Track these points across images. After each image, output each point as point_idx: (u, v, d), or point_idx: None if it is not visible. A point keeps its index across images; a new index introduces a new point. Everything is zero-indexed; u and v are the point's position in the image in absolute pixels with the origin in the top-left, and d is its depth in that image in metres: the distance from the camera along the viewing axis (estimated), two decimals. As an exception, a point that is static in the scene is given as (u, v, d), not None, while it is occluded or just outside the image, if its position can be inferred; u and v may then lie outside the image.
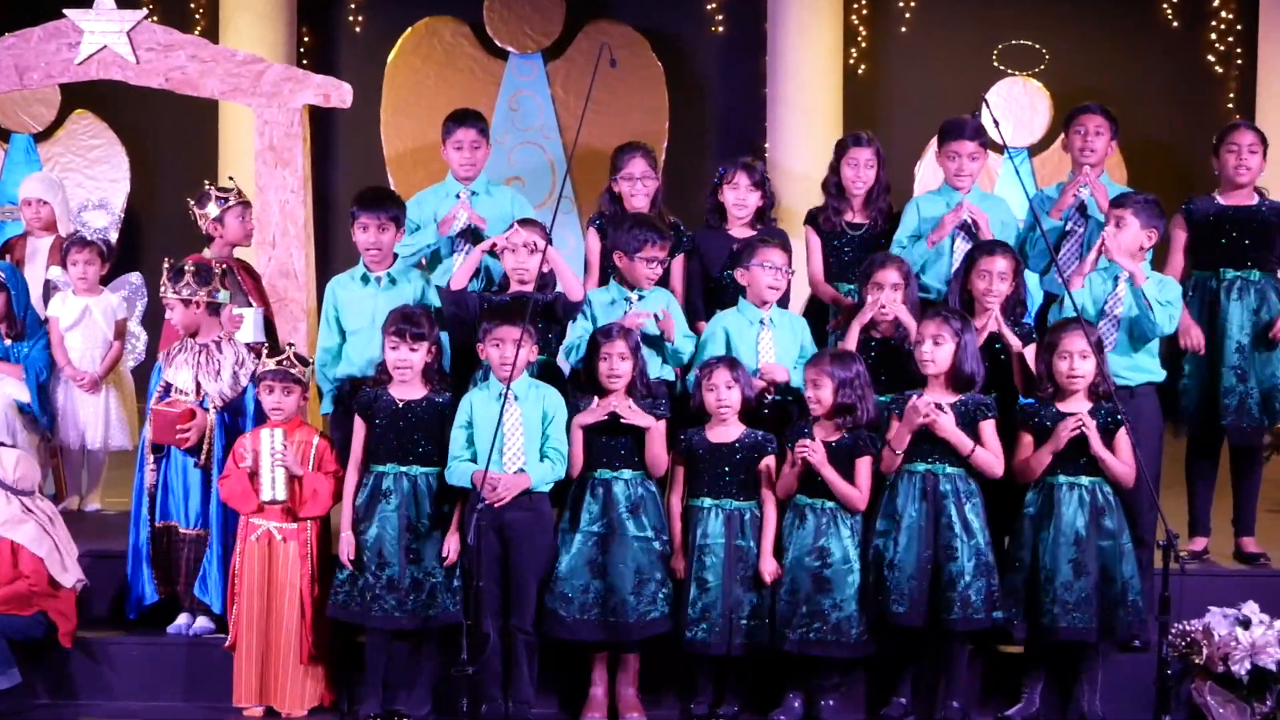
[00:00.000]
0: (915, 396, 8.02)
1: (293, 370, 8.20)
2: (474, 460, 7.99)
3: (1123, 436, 8.03)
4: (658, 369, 8.48)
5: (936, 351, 8.04)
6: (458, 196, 9.00)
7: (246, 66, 9.40)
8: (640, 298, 8.52)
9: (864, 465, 8.07)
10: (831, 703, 8.18)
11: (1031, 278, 9.21)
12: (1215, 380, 8.75)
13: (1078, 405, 8.06)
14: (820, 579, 8.02)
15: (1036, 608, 8.03)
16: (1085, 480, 8.05)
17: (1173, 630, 8.10)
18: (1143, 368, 8.45)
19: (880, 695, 8.26)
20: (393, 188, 12.43)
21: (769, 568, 8.09)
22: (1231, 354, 8.74)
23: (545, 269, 8.49)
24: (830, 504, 8.07)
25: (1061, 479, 8.05)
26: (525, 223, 8.58)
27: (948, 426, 7.98)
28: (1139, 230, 8.42)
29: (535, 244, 8.43)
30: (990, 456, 8.01)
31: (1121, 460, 8.02)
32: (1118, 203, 8.51)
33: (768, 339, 8.44)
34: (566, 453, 8.09)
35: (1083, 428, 7.94)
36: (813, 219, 9.04)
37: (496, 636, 8.05)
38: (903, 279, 8.39)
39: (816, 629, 8.01)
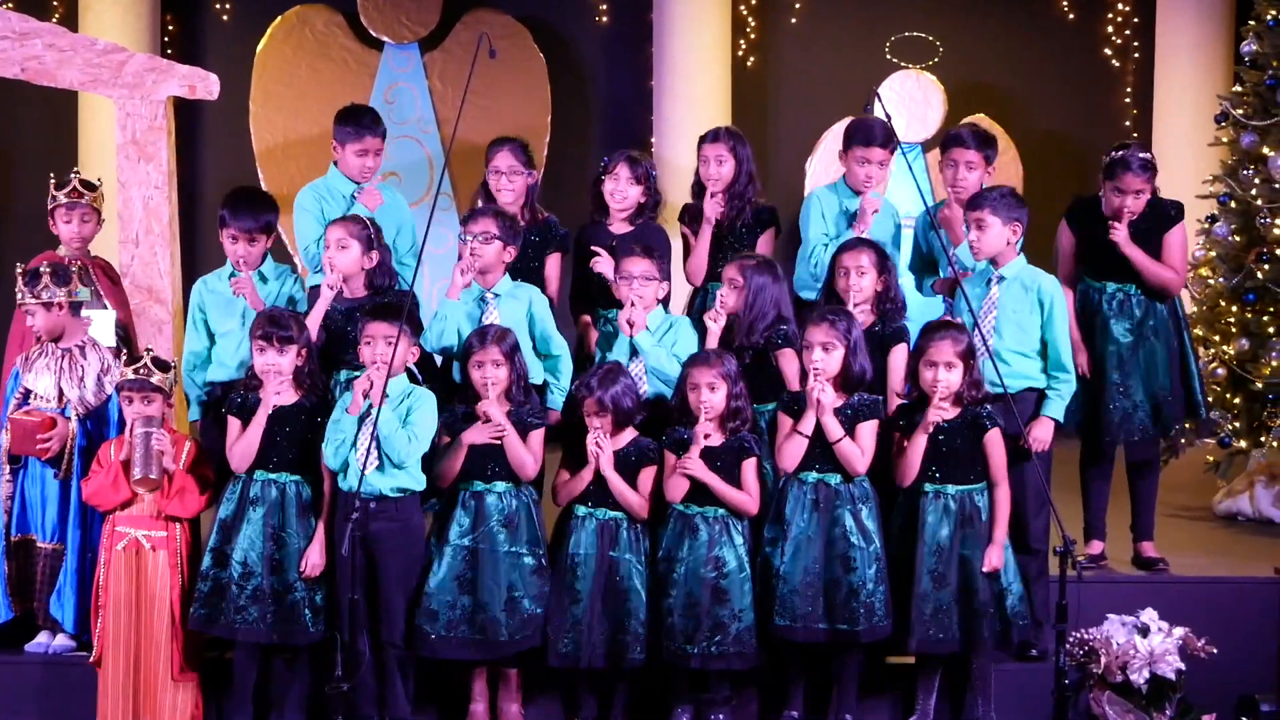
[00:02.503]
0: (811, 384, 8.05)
1: (151, 378, 8.11)
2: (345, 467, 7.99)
3: (993, 439, 8.08)
4: (540, 374, 8.49)
5: (828, 359, 8.07)
6: (351, 197, 8.93)
7: (107, 56, 9.31)
8: (495, 295, 8.49)
9: (751, 467, 8.09)
10: (721, 717, 8.20)
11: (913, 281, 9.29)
12: (1098, 395, 8.80)
13: (944, 411, 8.10)
14: (717, 590, 8.03)
15: (899, 619, 8.09)
16: (951, 489, 8.10)
17: (1070, 639, 8.17)
18: (1020, 373, 8.45)
19: (772, 708, 8.29)
20: (263, 183, 12.39)
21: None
22: (1111, 370, 8.80)
23: (368, 265, 8.41)
24: (721, 511, 8.09)
25: (928, 487, 8.10)
26: (341, 220, 8.53)
27: (826, 405, 7.99)
28: (1001, 228, 8.45)
29: (343, 241, 8.39)
30: (855, 451, 8.02)
31: (993, 476, 8.09)
32: (973, 204, 8.49)
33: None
34: (421, 443, 8.04)
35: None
36: (683, 217, 9.11)
37: (370, 652, 8.03)
38: (742, 279, 8.37)
39: (718, 642, 8.01)
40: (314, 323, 8.34)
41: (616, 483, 8.07)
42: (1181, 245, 8.90)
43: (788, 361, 8.35)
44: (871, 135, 8.94)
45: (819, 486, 8.07)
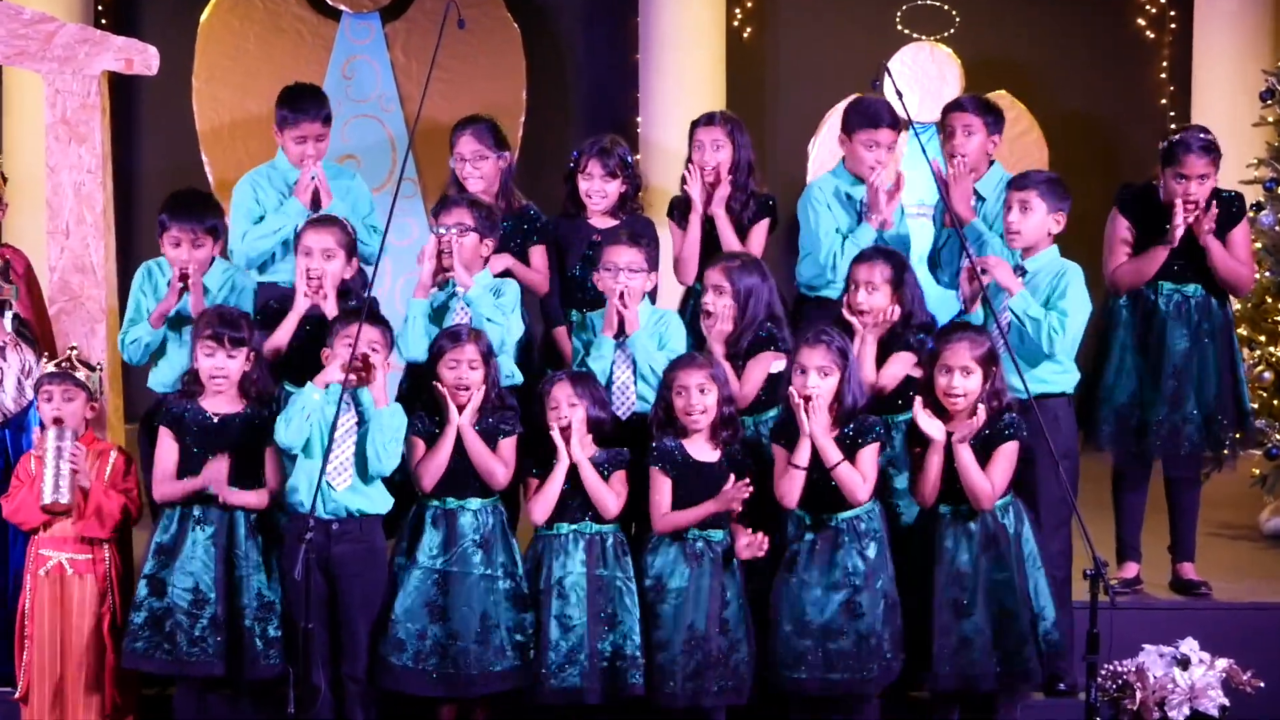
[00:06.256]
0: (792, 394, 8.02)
1: (75, 373, 8.08)
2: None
3: (1004, 452, 8.02)
4: (510, 371, 8.49)
5: (823, 385, 8.03)
6: (312, 179, 8.97)
7: (35, 27, 9.27)
8: (466, 305, 8.47)
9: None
10: (718, 759, 8.19)
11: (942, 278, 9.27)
12: (1148, 405, 8.80)
13: (966, 426, 8.07)
14: (723, 623, 8.02)
15: (926, 654, 8.05)
16: (967, 508, 8.05)
17: (1102, 671, 8.17)
18: (1045, 379, 8.45)
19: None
20: (207, 168, 12.35)
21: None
22: (1167, 380, 8.78)
23: (348, 275, 8.42)
24: (717, 536, 8.07)
25: (944, 508, 8.07)
26: (320, 221, 8.52)
27: (817, 424, 7.95)
28: (1045, 215, 8.46)
29: (330, 250, 8.37)
30: (856, 477, 7.98)
31: (989, 474, 7.99)
32: (1019, 184, 8.52)
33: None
34: (397, 459, 8.05)
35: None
36: (671, 211, 9.10)
37: (327, 688, 7.99)
38: (728, 285, 8.39)
39: (720, 677, 8.00)
40: (284, 335, 8.31)
41: (589, 473, 8.04)
42: (1247, 242, 8.92)
43: (758, 365, 8.33)
44: (879, 116, 8.97)
45: (819, 525, 8.05)
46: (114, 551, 8.15)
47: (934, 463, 7.97)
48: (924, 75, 12.69)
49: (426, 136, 11.85)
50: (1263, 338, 10.46)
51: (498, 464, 8.11)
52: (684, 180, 9.05)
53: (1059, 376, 8.50)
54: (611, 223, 8.95)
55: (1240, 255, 8.85)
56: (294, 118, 9.04)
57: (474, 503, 8.11)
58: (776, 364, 8.37)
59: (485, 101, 11.70)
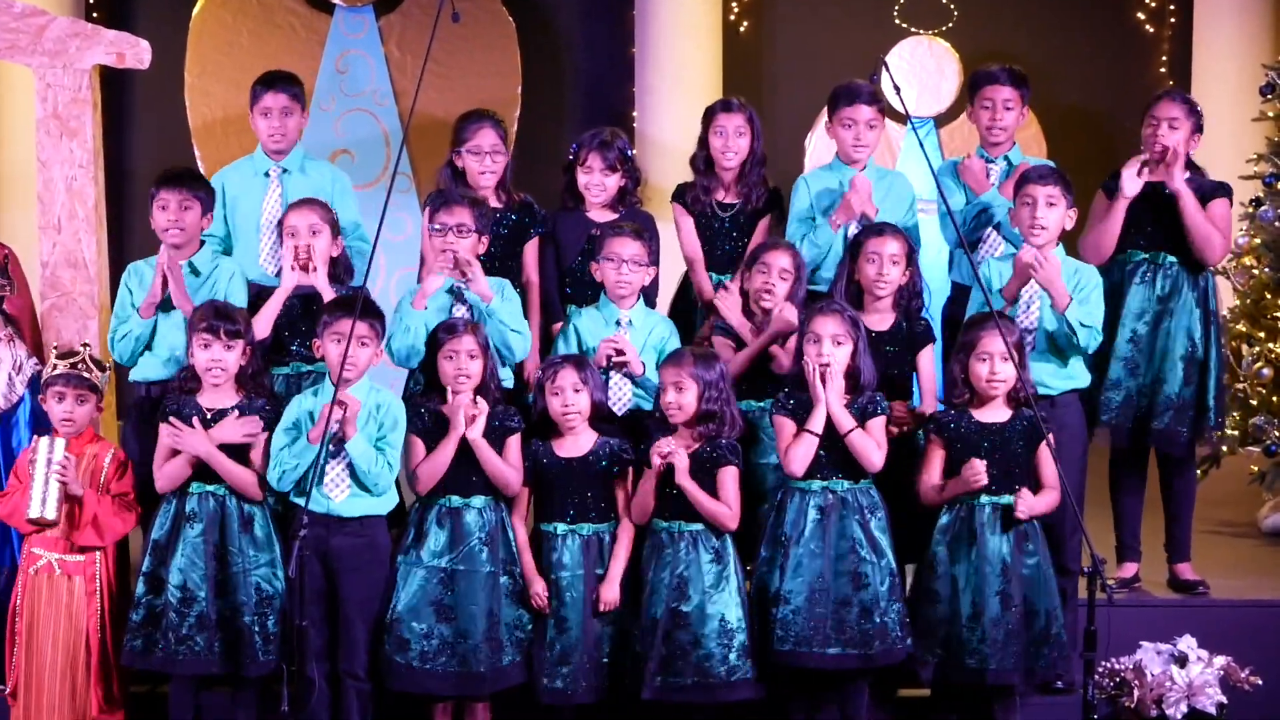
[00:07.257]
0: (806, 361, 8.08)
1: (88, 375, 8.10)
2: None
3: (1047, 451, 8.09)
4: (503, 375, 8.50)
5: (836, 353, 8.07)
6: (266, 175, 8.99)
7: (25, 20, 9.28)
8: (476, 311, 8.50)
9: (729, 476, 8.06)
10: (709, 757, 8.20)
11: (940, 268, 9.29)
12: (1103, 372, 8.80)
13: (996, 413, 8.13)
14: (678, 614, 8.02)
15: (959, 646, 8.07)
16: (1008, 500, 8.09)
17: (1100, 669, 8.19)
18: (1065, 373, 8.51)
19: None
20: (200, 163, 12.35)
21: (609, 595, 8.07)
22: (1124, 344, 8.78)
23: (335, 253, 8.46)
24: (690, 527, 8.08)
25: (983, 499, 8.10)
26: (302, 202, 8.56)
27: (833, 391, 8.00)
28: (1065, 210, 8.50)
29: (315, 226, 8.42)
30: (870, 443, 8.03)
31: (1042, 478, 8.09)
32: (1041, 179, 8.51)
33: (624, 342, 8.47)
34: (397, 466, 8.07)
35: (978, 479, 8.04)
36: (680, 195, 9.11)
37: (324, 683, 8.01)
38: (793, 270, 8.45)
39: (677, 670, 8.00)
40: (268, 318, 8.35)
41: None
42: (1225, 217, 8.88)
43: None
44: (855, 93, 8.98)
45: (825, 494, 8.08)
46: (107, 553, 8.16)
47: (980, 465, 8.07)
48: (922, 70, 12.71)
49: (421, 131, 11.88)
50: (1262, 334, 10.45)
51: (511, 471, 8.12)
52: (698, 165, 9.06)
53: (1082, 373, 8.55)
54: (610, 216, 8.97)
55: (1217, 225, 8.82)
56: (259, 91, 9.06)
57: (478, 500, 8.12)
58: None
59: (480, 96, 11.71)
